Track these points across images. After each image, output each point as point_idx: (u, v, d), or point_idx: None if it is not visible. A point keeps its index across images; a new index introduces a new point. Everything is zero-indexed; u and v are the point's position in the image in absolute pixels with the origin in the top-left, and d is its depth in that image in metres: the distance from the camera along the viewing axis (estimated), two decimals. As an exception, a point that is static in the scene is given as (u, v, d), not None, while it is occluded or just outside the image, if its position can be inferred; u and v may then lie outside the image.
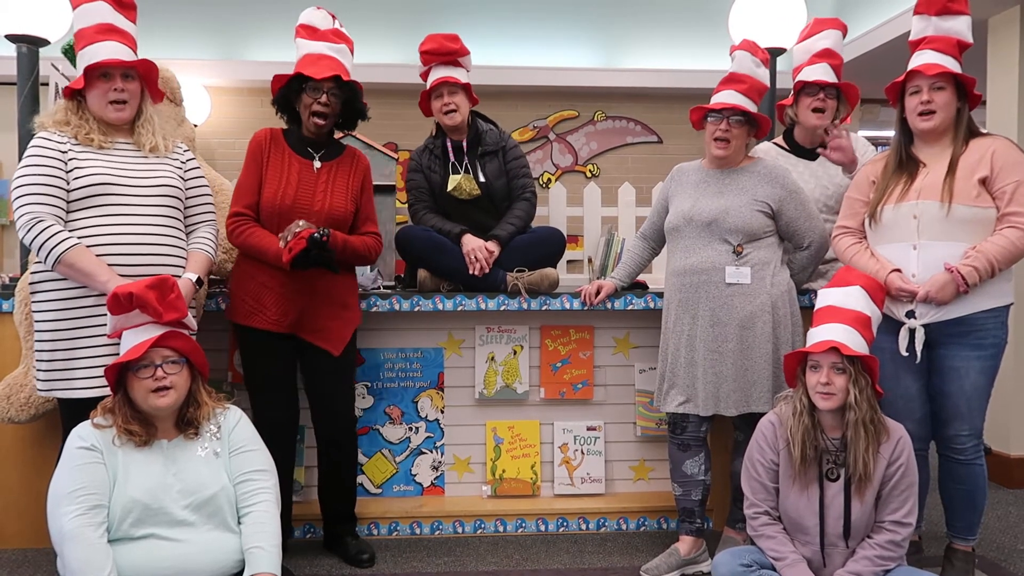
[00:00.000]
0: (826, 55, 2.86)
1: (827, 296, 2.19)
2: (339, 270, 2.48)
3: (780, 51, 3.56)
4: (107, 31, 2.22)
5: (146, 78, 2.31)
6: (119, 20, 2.26)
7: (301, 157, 2.56)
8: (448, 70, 2.86)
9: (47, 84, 3.16)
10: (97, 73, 2.22)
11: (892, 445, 2.10)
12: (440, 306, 2.88)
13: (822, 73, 2.83)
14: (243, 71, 5.24)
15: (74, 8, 2.26)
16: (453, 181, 2.88)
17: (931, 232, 2.30)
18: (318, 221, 2.46)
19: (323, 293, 2.51)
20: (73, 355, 2.18)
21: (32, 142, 2.21)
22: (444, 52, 2.86)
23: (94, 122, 2.26)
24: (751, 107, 2.51)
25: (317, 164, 2.56)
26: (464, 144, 2.94)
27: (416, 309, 2.87)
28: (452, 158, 2.92)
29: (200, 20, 5.23)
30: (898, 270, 2.33)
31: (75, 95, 2.27)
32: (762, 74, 2.56)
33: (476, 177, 2.92)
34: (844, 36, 2.95)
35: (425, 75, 2.93)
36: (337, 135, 2.74)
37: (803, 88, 2.87)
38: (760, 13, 3.49)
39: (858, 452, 2.05)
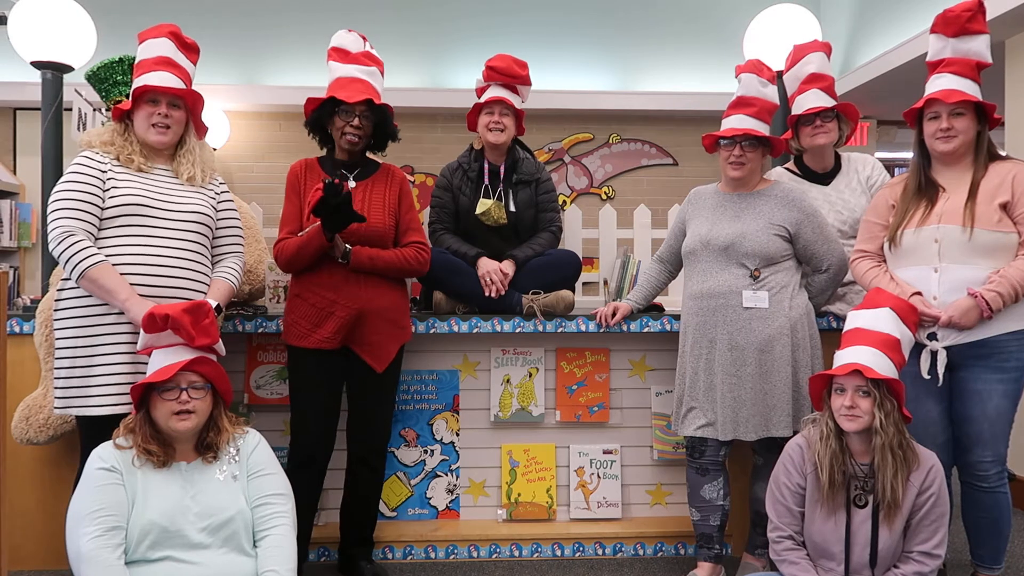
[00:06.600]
0: (814, 79, 2.83)
1: (856, 318, 2.16)
2: (365, 219, 2.44)
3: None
4: (164, 63, 2.32)
5: (192, 109, 2.39)
6: (179, 57, 2.36)
7: None
8: (506, 92, 2.90)
9: (70, 109, 3.22)
10: (146, 98, 2.30)
11: (923, 473, 2.05)
12: (455, 328, 2.88)
13: (814, 100, 2.80)
14: (261, 96, 5.32)
15: (140, 42, 2.35)
16: (483, 205, 2.88)
17: (952, 256, 2.28)
18: (357, 239, 2.49)
19: (376, 311, 2.52)
20: (91, 371, 2.20)
21: (75, 159, 2.29)
22: (509, 74, 2.89)
23: (138, 145, 2.33)
24: (763, 130, 2.51)
25: (352, 184, 2.58)
26: (501, 169, 2.94)
27: (431, 331, 2.87)
28: (487, 181, 2.93)
29: (219, 46, 5.32)
30: (919, 293, 2.31)
31: (124, 118, 2.35)
32: (770, 93, 2.55)
33: (507, 205, 2.91)
34: (829, 55, 2.90)
35: (481, 91, 2.95)
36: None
37: (798, 120, 2.86)
38: (774, 36, 3.50)
39: (886, 478, 2.01)
